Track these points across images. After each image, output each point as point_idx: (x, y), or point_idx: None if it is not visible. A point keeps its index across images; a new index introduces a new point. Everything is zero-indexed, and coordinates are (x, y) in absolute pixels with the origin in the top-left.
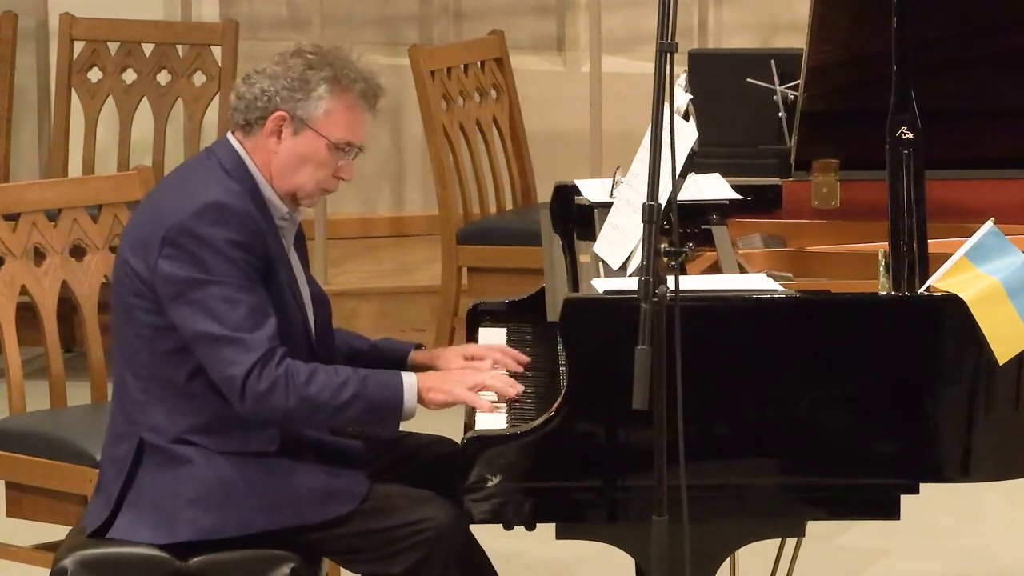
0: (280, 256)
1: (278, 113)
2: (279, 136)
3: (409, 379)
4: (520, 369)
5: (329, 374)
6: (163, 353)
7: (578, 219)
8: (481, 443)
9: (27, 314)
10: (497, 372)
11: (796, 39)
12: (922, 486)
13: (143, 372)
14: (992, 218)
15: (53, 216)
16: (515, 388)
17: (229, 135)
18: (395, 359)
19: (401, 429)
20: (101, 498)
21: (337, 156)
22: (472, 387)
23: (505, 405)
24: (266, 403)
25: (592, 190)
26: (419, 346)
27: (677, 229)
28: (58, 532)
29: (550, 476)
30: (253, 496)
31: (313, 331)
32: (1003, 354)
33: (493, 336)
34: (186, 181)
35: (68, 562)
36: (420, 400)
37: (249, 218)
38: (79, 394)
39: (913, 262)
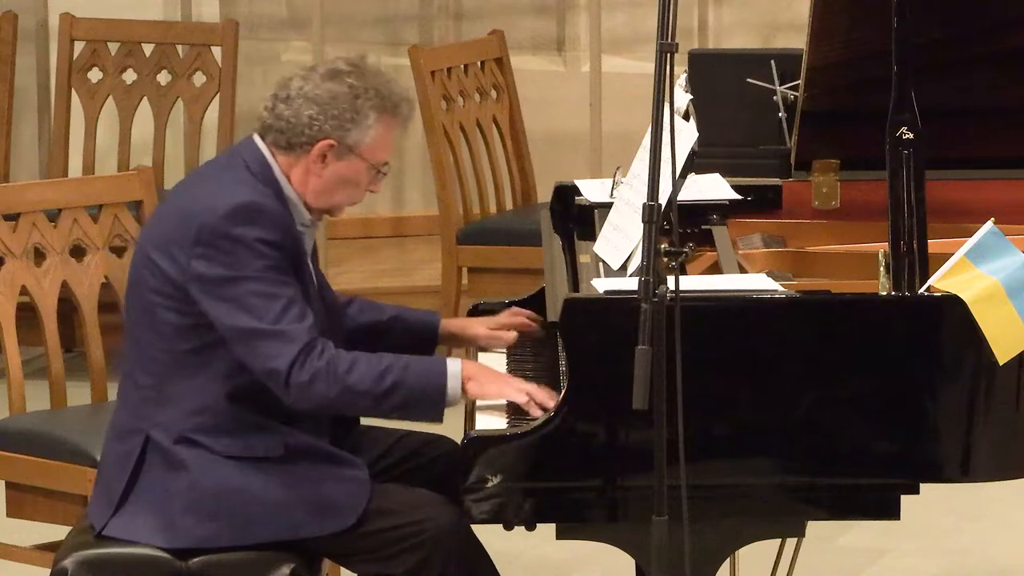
0: (302, 261)
1: (326, 141)
2: (324, 161)
3: (453, 367)
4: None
5: (371, 363)
6: (182, 352)
7: (578, 219)
8: (481, 443)
9: (27, 314)
10: (536, 387)
11: (796, 39)
12: (922, 486)
13: (157, 370)
14: (992, 218)
15: (53, 216)
16: (553, 402)
17: (256, 138)
18: (426, 332)
19: (402, 429)
20: (103, 496)
21: (374, 175)
22: (517, 390)
23: (510, 416)
24: (309, 394)
25: (592, 190)
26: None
27: (677, 229)
28: (58, 532)
29: (550, 476)
30: (250, 507)
31: (327, 332)
32: (1003, 354)
33: None
34: (213, 181)
35: (68, 562)
36: (462, 388)
37: (281, 218)
38: (79, 394)
39: (913, 262)
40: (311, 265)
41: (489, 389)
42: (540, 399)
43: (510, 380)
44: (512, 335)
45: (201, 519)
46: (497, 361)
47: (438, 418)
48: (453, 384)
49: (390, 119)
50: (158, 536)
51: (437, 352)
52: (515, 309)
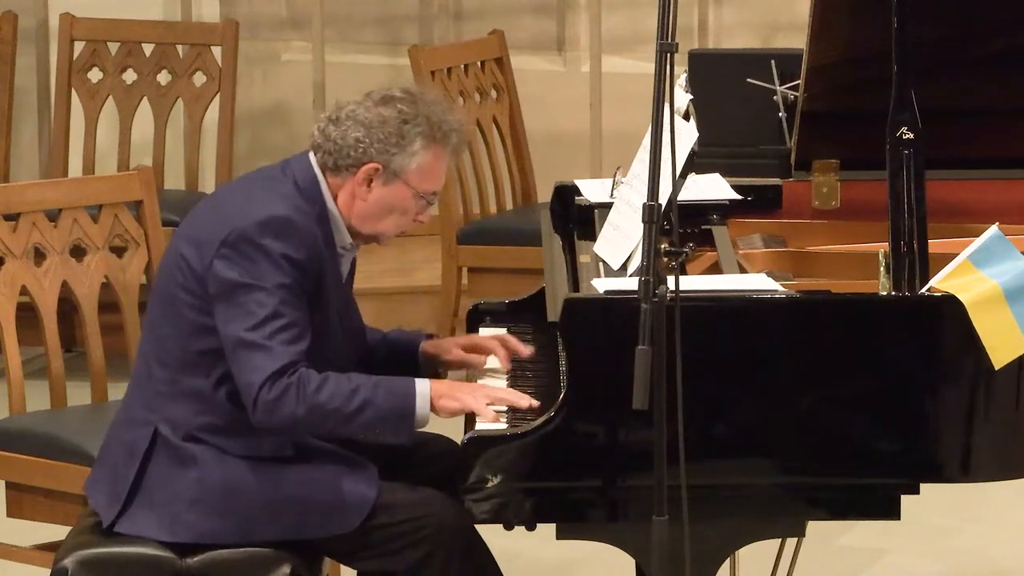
0: (335, 282)
1: (371, 164)
2: (369, 185)
3: (422, 386)
4: (524, 353)
5: (340, 382)
6: (195, 352)
7: (578, 219)
8: (481, 443)
9: (27, 314)
10: (508, 389)
11: (796, 39)
12: (922, 486)
13: (172, 364)
14: (996, 222)
15: (53, 216)
16: (527, 400)
17: (311, 155)
18: (406, 353)
19: None
20: (107, 484)
21: (421, 204)
22: (485, 398)
23: (507, 414)
24: (276, 412)
25: (592, 190)
26: (429, 336)
27: (677, 229)
28: (58, 532)
29: (550, 476)
30: (255, 505)
31: (343, 360)
32: (999, 359)
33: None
34: (257, 189)
35: (68, 562)
36: (432, 407)
37: (312, 239)
38: (79, 394)
39: (913, 262)
40: (343, 289)
41: (464, 402)
42: (508, 403)
43: (478, 393)
44: (482, 359)
45: (207, 514)
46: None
47: (407, 438)
48: (421, 404)
49: (438, 148)
50: (163, 531)
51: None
52: (505, 336)
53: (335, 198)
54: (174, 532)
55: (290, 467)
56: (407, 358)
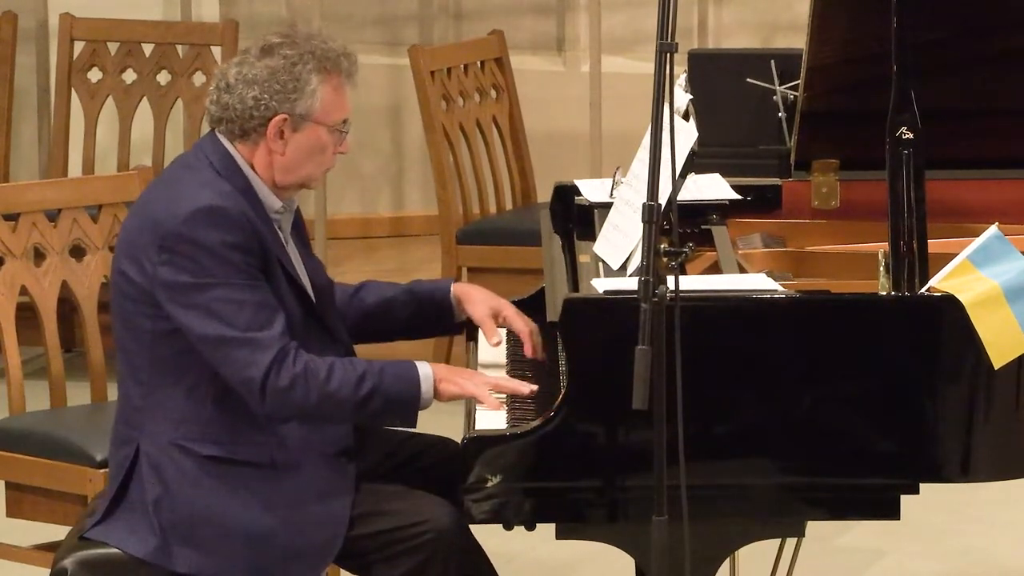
0: (277, 250)
1: (278, 117)
2: (282, 137)
3: (425, 370)
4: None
5: (347, 369)
6: (162, 359)
7: (578, 219)
8: (481, 443)
9: (27, 314)
10: (507, 377)
11: (796, 39)
12: (922, 486)
13: (143, 378)
14: (996, 222)
15: (53, 216)
16: (527, 387)
17: (217, 133)
18: (443, 300)
19: (406, 430)
20: (100, 499)
21: (337, 137)
22: (486, 385)
23: (506, 404)
24: (287, 400)
25: (592, 190)
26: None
27: (677, 229)
28: (58, 532)
29: (550, 476)
30: (221, 542)
31: (324, 317)
32: (999, 358)
33: None
34: (176, 184)
35: (68, 562)
36: (434, 390)
37: (244, 218)
38: (79, 394)
39: (913, 262)
40: (295, 246)
41: (464, 388)
42: (509, 390)
43: (477, 377)
44: (495, 331)
45: (176, 543)
46: (497, 359)
47: (413, 422)
48: (426, 387)
49: (334, 78)
50: (132, 545)
51: None
52: (535, 330)
53: (252, 166)
54: (144, 546)
55: (262, 491)
56: (440, 304)
